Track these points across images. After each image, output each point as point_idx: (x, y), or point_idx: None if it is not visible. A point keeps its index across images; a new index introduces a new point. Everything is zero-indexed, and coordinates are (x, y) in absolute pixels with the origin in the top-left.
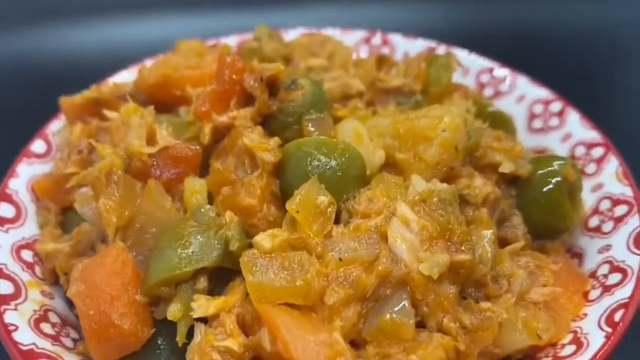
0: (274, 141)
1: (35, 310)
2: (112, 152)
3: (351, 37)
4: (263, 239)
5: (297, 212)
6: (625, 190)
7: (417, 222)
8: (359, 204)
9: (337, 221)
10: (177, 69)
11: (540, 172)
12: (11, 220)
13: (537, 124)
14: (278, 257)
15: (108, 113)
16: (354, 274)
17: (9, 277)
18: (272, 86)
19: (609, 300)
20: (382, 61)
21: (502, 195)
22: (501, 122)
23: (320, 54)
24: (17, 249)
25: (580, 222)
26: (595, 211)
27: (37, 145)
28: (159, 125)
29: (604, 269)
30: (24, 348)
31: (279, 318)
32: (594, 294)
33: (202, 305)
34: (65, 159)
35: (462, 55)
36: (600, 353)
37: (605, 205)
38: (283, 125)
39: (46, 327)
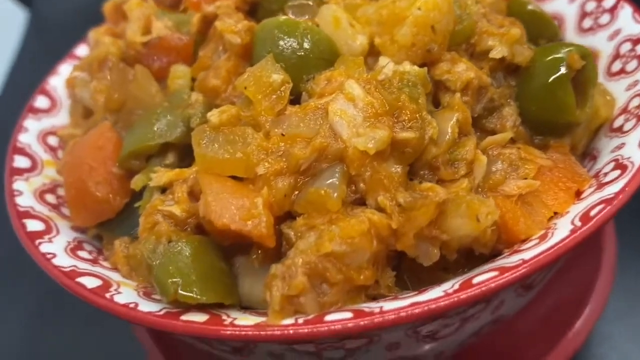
0: (243, 24)
1: (44, 183)
2: (109, 42)
3: None
4: (212, 114)
5: (245, 88)
6: None
7: (363, 99)
8: (317, 84)
9: (298, 102)
10: None
11: (542, 59)
12: (45, 111)
13: (587, 23)
14: (225, 131)
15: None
16: (293, 149)
17: (27, 154)
18: None
19: (595, 197)
20: None
21: (495, 84)
22: (540, 23)
23: None
24: (44, 135)
25: (587, 120)
26: (624, 110)
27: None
28: (158, 18)
29: (608, 167)
30: (21, 209)
31: (210, 185)
32: (586, 193)
33: (159, 176)
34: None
35: None
36: (557, 246)
37: (634, 103)
38: (267, 13)
39: (50, 198)
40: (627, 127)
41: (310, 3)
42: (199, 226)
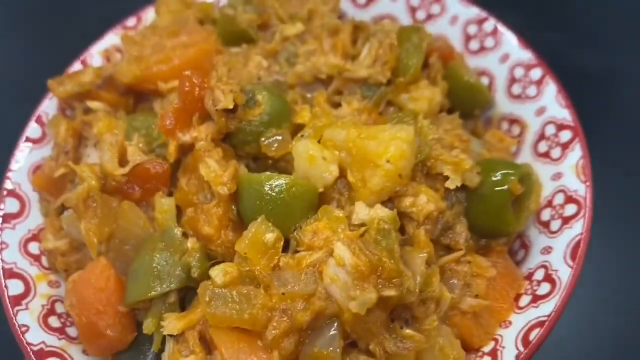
0: (229, 173)
1: (43, 305)
2: (88, 175)
3: None
4: (217, 275)
5: (245, 253)
6: (579, 187)
7: (351, 262)
8: (304, 235)
9: (286, 246)
10: (147, 66)
11: (488, 180)
12: (16, 215)
13: (516, 89)
14: (229, 291)
15: (91, 104)
16: (294, 308)
17: (19, 276)
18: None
19: (532, 314)
20: (358, 30)
21: (449, 205)
22: (475, 93)
23: (299, 13)
24: (24, 243)
25: (524, 225)
26: (549, 204)
27: (33, 130)
28: (130, 141)
29: (539, 274)
30: (35, 348)
31: (226, 348)
32: (523, 301)
33: (170, 323)
34: (55, 158)
35: (453, 2)
36: None
37: (558, 199)
38: (243, 142)
39: (53, 321)
40: (553, 226)
41: (282, 133)
42: None
